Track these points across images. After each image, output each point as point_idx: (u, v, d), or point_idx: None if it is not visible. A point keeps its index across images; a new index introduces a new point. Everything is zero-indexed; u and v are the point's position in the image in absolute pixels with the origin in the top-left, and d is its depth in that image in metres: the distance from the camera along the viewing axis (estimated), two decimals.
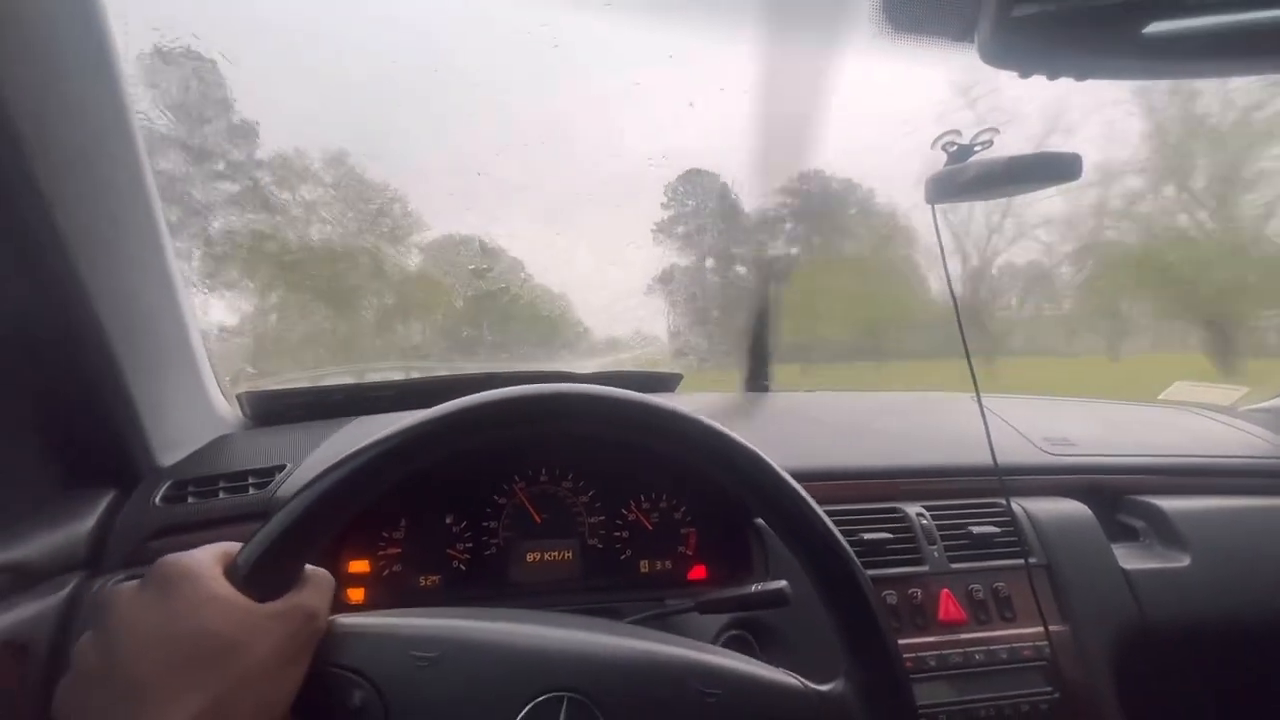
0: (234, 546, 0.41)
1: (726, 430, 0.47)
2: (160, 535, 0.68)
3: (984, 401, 1.12)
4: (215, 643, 0.35)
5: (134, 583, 0.38)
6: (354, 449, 0.43)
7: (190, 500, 0.71)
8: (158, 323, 0.72)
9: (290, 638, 0.38)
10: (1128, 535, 0.90)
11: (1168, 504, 0.88)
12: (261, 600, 0.39)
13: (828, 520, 0.47)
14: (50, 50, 0.54)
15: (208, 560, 0.39)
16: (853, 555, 0.46)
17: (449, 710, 0.41)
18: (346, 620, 0.44)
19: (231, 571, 0.39)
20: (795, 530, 0.47)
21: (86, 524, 0.66)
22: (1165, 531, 0.86)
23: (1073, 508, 0.86)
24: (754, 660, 0.49)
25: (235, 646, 0.36)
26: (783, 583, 0.61)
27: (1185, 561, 0.83)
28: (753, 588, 0.64)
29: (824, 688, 0.47)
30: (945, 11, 0.56)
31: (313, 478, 0.41)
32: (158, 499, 0.70)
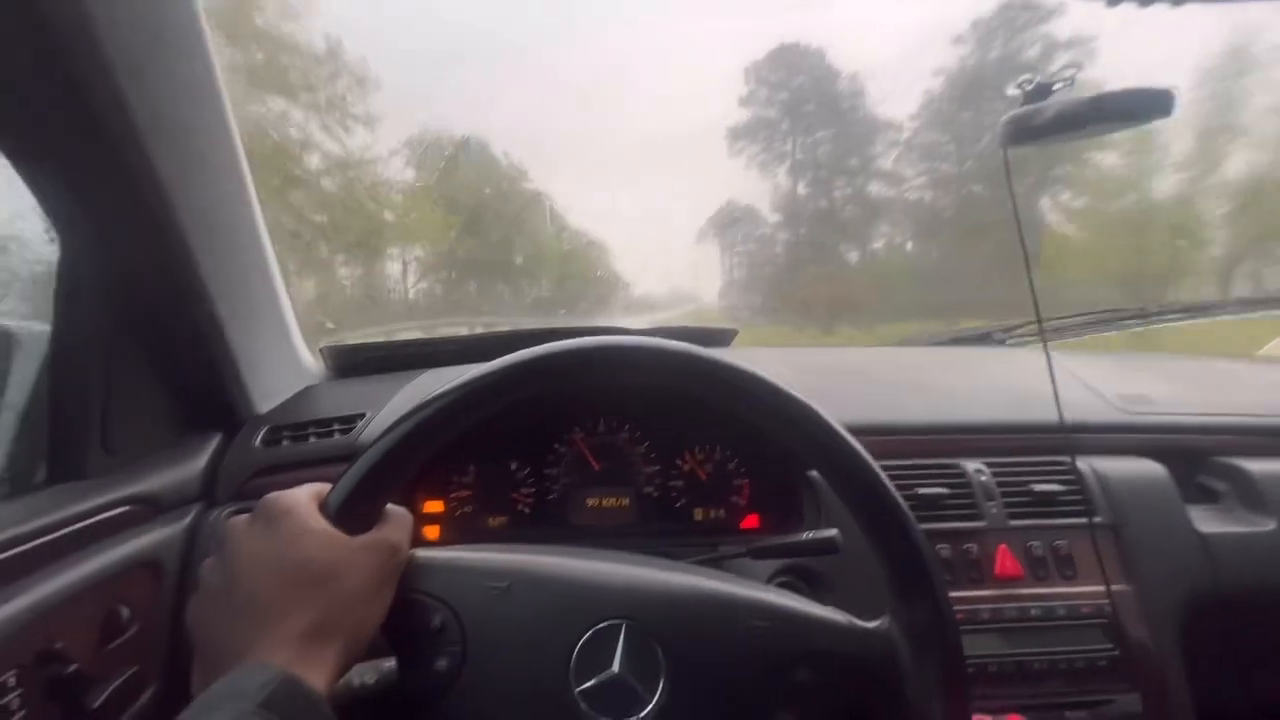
0: (326, 486, 0.46)
1: (781, 384, 0.48)
2: (261, 474, 0.76)
3: (1057, 358, 1.08)
4: (316, 569, 0.40)
5: (245, 516, 0.44)
6: (425, 398, 0.46)
7: (285, 444, 0.78)
8: (251, 282, 0.79)
9: (378, 567, 0.43)
10: (1208, 498, 0.85)
11: (1254, 465, 0.83)
12: (351, 534, 0.43)
13: (876, 465, 0.47)
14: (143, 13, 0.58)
15: (304, 498, 0.44)
16: (902, 501, 0.47)
17: (519, 633, 0.45)
18: (426, 553, 0.48)
19: (324, 508, 0.44)
20: (844, 476, 0.48)
21: (200, 462, 0.74)
22: (1249, 494, 0.82)
23: (1146, 467, 0.82)
24: (804, 599, 0.51)
25: (333, 573, 0.41)
26: (834, 531, 0.63)
27: (1270, 525, 0.78)
28: (804, 535, 0.66)
29: (870, 624, 0.49)
30: None
31: (390, 424, 0.46)
32: (257, 442, 0.78)
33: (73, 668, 0.52)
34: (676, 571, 0.50)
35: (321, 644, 0.39)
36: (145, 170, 0.58)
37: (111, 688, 0.55)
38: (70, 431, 0.65)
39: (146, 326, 0.69)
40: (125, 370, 0.69)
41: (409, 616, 0.46)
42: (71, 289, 0.64)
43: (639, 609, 0.46)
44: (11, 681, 0.48)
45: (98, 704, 0.53)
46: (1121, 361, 1.10)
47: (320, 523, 0.43)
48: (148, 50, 0.57)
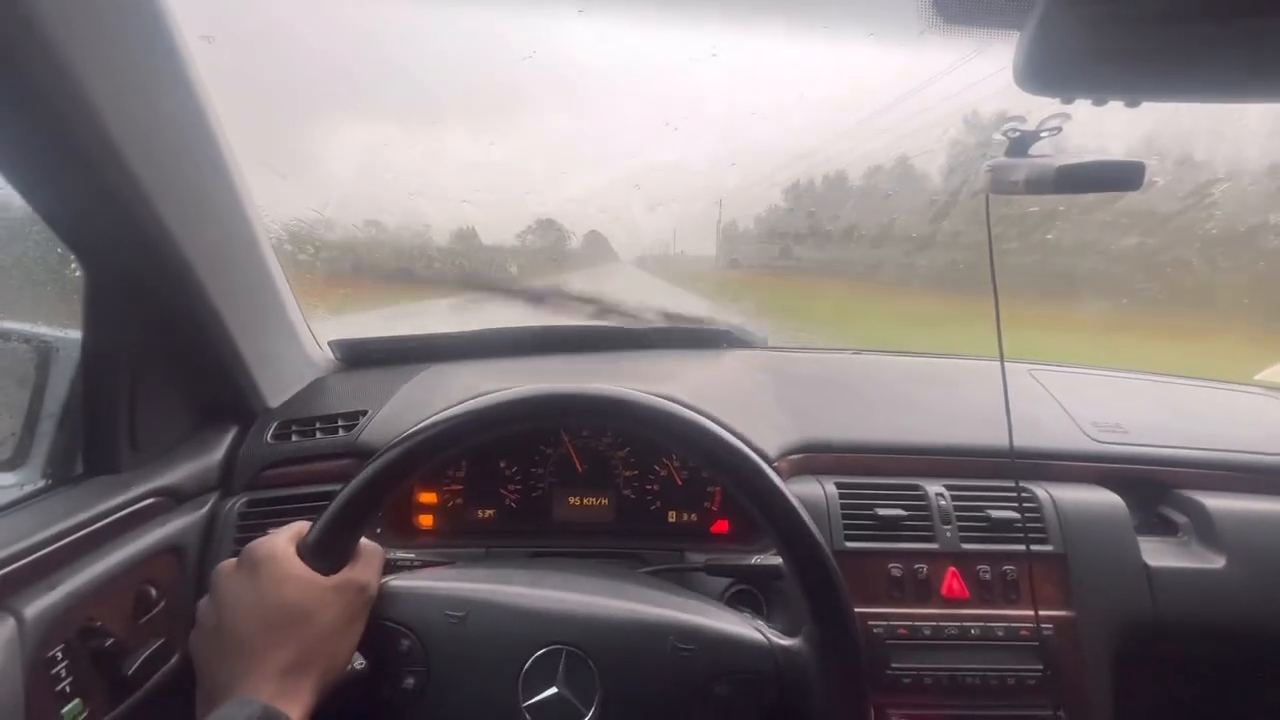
0: (305, 526, 0.53)
1: (704, 421, 0.54)
2: (272, 466, 0.83)
3: (1042, 377, 1.09)
4: (294, 612, 0.47)
5: (233, 561, 0.51)
6: (386, 446, 0.53)
7: (294, 439, 0.86)
8: (254, 289, 0.84)
9: (349, 605, 0.50)
10: (1167, 529, 0.88)
11: (1214, 502, 0.86)
12: (327, 572, 0.50)
13: (792, 498, 0.54)
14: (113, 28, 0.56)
15: (283, 544, 0.51)
16: (816, 533, 0.53)
17: (475, 656, 0.53)
18: (395, 583, 0.56)
19: (302, 548, 0.51)
20: (767, 511, 0.54)
21: (217, 455, 0.82)
22: (1205, 530, 0.84)
23: (1103, 498, 0.85)
24: (733, 617, 0.58)
25: (308, 614, 0.48)
26: (779, 560, 0.68)
27: (1219, 563, 0.81)
28: (753, 560, 0.72)
29: (787, 643, 0.55)
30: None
31: (359, 472, 0.52)
32: (269, 437, 0.85)
33: (110, 641, 0.62)
34: (617, 597, 0.57)
35: (299, 678, 0.46)
36: (139, 198, 0.62)
37: (144, 656, 0.65)
38: (102, 429, 0.73)
39: (164, 334, 0.75)
40: (149, 373, 0.75)
41: (380, 640, 0.53)
42: (96, 303, 0.70)
43: (578, 636, 0.53)
44: (59, 656, 0.57)
45: (132, 670, 0.63)
46: (1108, 383, 1.11)
47: (297, 567, 0.50)
48: (125, 69, 0.59)
